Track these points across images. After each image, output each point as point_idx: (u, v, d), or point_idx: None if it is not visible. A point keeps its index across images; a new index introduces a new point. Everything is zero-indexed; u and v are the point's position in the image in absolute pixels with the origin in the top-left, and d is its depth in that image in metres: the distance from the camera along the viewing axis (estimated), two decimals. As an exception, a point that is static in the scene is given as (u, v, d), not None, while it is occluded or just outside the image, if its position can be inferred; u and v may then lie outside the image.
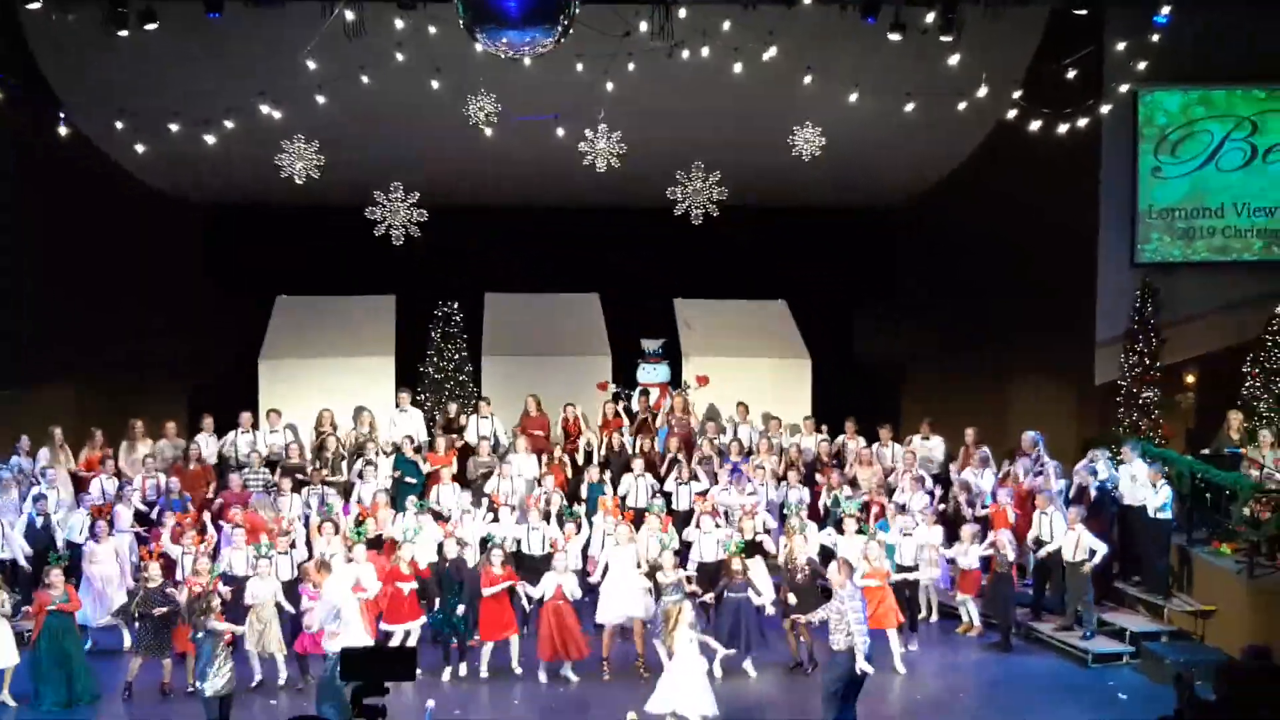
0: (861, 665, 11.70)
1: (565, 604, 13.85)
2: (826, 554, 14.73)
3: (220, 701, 11.92)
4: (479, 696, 13.60)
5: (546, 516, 15.22)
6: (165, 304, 20.40)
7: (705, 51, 16.76)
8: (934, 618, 15.84)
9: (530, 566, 14.71)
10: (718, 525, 14.97)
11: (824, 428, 17.97)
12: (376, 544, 14.87)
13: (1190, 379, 17.83)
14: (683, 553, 14.68)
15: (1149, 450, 15.96)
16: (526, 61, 14.95)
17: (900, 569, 14.79)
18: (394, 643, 13.88)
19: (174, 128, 16.63)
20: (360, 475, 16.42)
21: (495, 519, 15.35)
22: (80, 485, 16.21)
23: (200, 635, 12.12)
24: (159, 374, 20.31)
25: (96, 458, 16.60)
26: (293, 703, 13.19)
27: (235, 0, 16.26)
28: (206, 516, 15.62)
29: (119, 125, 16.80)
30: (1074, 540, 14.61)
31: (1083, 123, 17.10)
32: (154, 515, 15.55)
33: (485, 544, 14.69)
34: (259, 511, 15.32)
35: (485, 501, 15.80)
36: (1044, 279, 18.90)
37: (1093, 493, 15.36)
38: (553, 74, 16.63)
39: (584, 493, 16.41)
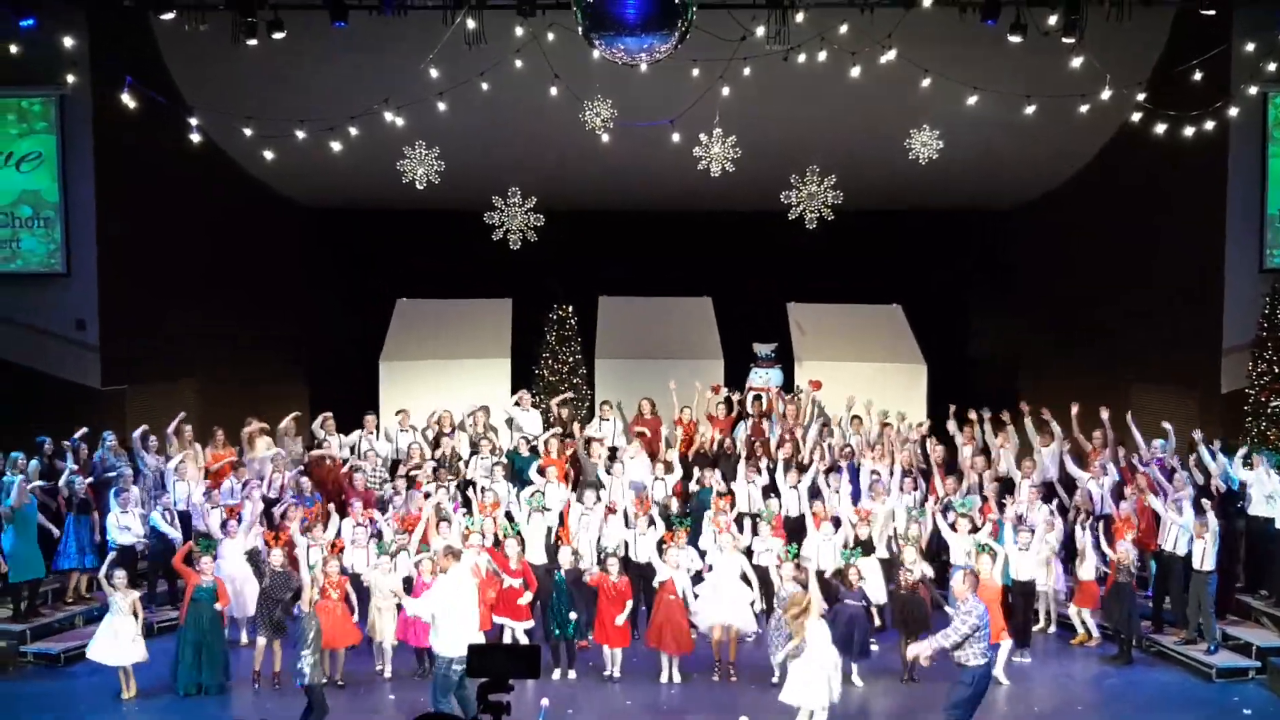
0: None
1: (678, 598, 13.92)
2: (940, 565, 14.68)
3: (314, 688, 12.07)
4: (590, 695, 13.66)
5: (656, 522, 15.26)
6: (288, 307, 20.90)
7: (822, 55, 16.70)
8: (1051, 628, 15.60)
9: (636, 571, 14.73)
10: (842, 536, 14.72)
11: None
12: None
13: (1323, 388, 17.25)
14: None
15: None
16: (643, 67, 15.05)
17: (1016, 581, 14.55)
18: (505, 639, 13.97)
19: (300, 135, 17.03)
20: (488, 473, 16.62)
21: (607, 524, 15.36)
22: (211, 483, 16.64)
23: (300, 616, 12.36)
24: (281, 375, 20.81)
25: (221, 456, 17.02)
26: (404, 695, 13.38)
27: (360, 9, 16.66)
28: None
29: (247, 132, 17.26)
30: (1201, 550, 14.27)
31: (1210, 125, 16.69)
32: (279, 511, 15.89)
33: (601, 552, 14.74)
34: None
35: (598, 507, 15.91)
36: (1168, 284, 18.49)
37: (1219, 484, 15.10)
38: (669, 79, 16.71)
39: (693, 487, 16.42)
